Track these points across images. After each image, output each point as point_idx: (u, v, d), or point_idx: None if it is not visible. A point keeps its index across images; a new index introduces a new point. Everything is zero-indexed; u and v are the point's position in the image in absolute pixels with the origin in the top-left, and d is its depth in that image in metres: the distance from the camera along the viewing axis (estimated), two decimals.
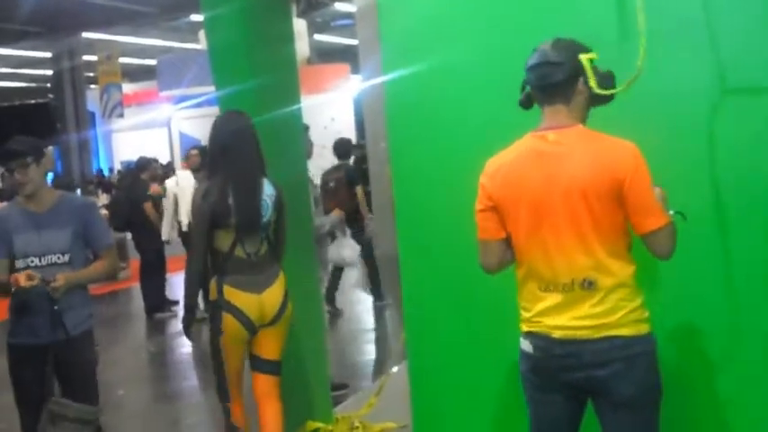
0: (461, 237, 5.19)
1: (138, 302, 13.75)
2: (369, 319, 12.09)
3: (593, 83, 3.74)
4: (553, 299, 3.79)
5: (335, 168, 11.92)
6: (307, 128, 8.01)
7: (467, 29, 4.98)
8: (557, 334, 3.77)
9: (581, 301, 3.72)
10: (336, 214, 9.85)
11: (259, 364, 5.73)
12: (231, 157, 5.51)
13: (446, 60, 5.13)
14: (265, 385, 5.73)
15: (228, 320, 5.46)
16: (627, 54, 4.10)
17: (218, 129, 5.63)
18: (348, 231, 10.76)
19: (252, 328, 5.52)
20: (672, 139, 4.35)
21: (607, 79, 3.79)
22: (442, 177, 5.20)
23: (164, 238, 12.75)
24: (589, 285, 3.70)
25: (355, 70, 24.05)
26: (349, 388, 8.07)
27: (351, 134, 23.36)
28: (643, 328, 3.74)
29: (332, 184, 11.62)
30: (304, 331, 6.61)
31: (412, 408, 5.87)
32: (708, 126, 4.38)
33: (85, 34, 28.63)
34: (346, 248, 10.09)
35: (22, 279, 4.99)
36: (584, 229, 3.68)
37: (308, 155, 7.73)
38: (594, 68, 3.76)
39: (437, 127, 5.27)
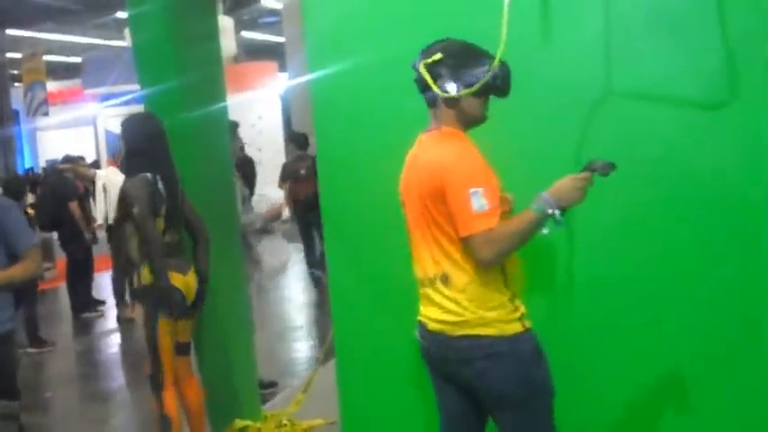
0: (387, 233, 5.22)
1: (64, 302, 13.62)
2: (298, 317, 12.10)
3: (435, 88, 3.80)
4: (425, 291, 3.93)
5: (299, 158, 12.16)
6: (236, 125, 8.01)
7: (390, 26, 5.00)
8: (429, 326, 3.92)
9: (441, 296, 3.81)
10: (271, 212, 9.81)
11: (178, 348, 5.90)
12: (152, 157, 5.80)
13: (371, 58, 5.15)
14: (184, 367, 5.98)
15: (163, 302, 5.68)
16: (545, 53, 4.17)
17: (133, 132, 5.92)
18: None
19: (185, 308, 5.79)
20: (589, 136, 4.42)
21: (468, 77, 3.78)
22: (368, 175, 5.22)
23: (100, 221, 12.61)
24: (445, 280, 3.78)
25: (282, 68, 24.01)
26: (278, 386, 8.08)
27: (279, 132, 23.32)
28: (510, 328, 3.73)
29: (303, 172, 12.21)
30: (231, 329, 6.60)
31: (340, 404, 5.89)
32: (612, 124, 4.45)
33: (9, 31, 28.22)
34: None
35: None
36: (431, 227, 3.79)
37: (235, 152, 7.75)
38: (451, 70, 3.79)
39: (362, 124, 5.29)
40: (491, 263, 3.64)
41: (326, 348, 6.77)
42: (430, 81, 3.79)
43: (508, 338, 3.73)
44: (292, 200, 12.68)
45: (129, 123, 6.01)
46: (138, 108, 8.27)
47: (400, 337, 5.53)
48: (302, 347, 10.24)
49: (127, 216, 5.72)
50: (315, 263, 12.44)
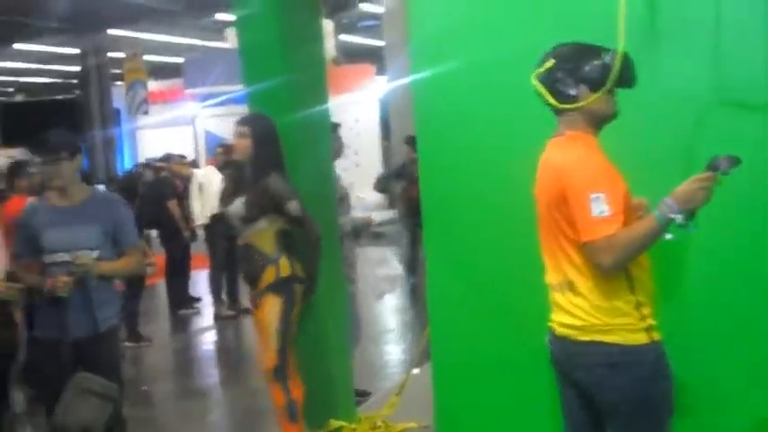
0: (488, 238, 5.22)
1: (162, 299, 13.80)
2: (391, 320, 12.13)
3: (550, 99, 3.78)
4: (553, 297, 3.85)
5: (414, 160, 12.29)
6: (338, 126, 8.08)
7: (496, 29, 4.99)
8: (556, 331, 3.84)
9: (568, 302, 3.75)
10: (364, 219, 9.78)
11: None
12: (278, 156, 6.07)
13: (476, 61, 5.15)
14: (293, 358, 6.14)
15: (299, 289, 5.98)
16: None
17: (263, 131, 6.03)
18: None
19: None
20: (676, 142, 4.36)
21: (588, 74, 3.73)
22: (471, 178, 5.22)
23: (198, 222, 12.77)
24: (570, 286, 3.72)
25: (381, 71, 24.07)
26: (371, 395, 8.09)
27: (375, 135, 23.37)
28: (634, 338, 3.66)
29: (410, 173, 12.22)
30: (329, 331, 6.64)
31: (434, 408, 5.89)
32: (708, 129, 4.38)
33: (111, 31, 28.71)
34: None
35: (60, 289, 5.06)
36: (556, 233, 3.75)
37: (338, 154, 7.80)
38: (568, 72, 3.75)
39: (466, 128, 5.28)
40: (610, 269, 3.57)
41: (421, 351, 6.78)
42: (544, 92, 3.77)
43: (630, 349, 3.65)
44: (407, 198, 12.81)
45: (258, 123, 6.09)
46: (238, 109, 8.37)
47: (498, 341, 5.52)
48: (395, 351, 10.26)
49: (267, 211, 5.87)
50: (414, 269, 12.42)
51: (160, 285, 13.95)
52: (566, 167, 3.64)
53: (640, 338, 3.66)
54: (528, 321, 4.23)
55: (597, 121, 3.77)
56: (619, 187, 3.62)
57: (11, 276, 5.17)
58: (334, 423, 6.60)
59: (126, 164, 33.92)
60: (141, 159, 31.76)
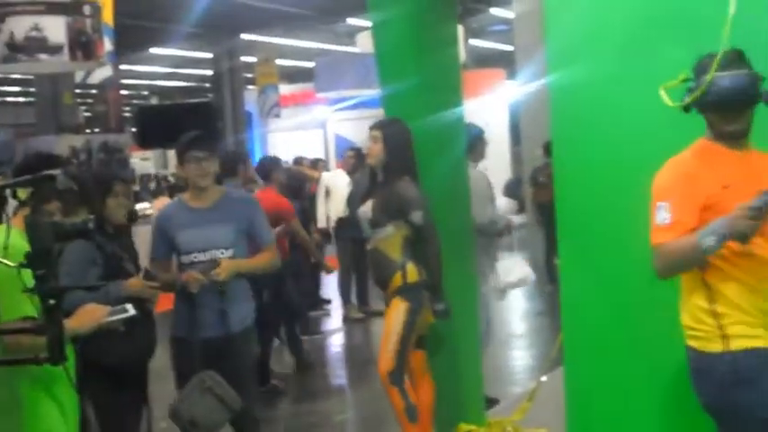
0: (624, 243, 5.15)
1: None
2: (520, 325, 12.07)
3: (667, 99, 3.90)
4: None
5: (546, 165, 12.34)
6: (482, 132, 8.13)
7: (634, 33, 4.93)
8: None
9: None
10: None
11: (418, 342, 6.14)
12: (411, 162, 6.09)
13: (612, 65, 5.10)
14: (422, 361, 6.18)
15: (425, 298, 5.96)
16: None
17: (397, 135, 6.06)
18: None
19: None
20: None
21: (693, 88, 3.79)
22: (607, 183, 5.16)
23: (320, 225, 12.84)
24: None
25: (510, 76, 23.98)
26: (500, 403, 8.06)
27: (505, 140, 23.27)
28: (709, 346, 3.73)
29: (542, 179, 12.67)
30: (460, 333, 6.64)
31: (566, 415, 5.84)
32: None
33: (244, 36, 29.17)
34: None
35: (192, 284, 5.16)
36: None
37: (481, 156, 7.90)
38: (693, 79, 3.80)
39: (603, 133, 5.23)
40: (660, 276, 3.77)
41: (553, 357, 6.73)
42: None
43: (705, 355, 3.75)
44: (538, 204, 13.04)
45: (392, 127, 6.13)
46: (369, 113, 8.44)
47: (632, 350, 5.45)
48: (525, 356, 10.21)
49: (394, 217, 5.90)
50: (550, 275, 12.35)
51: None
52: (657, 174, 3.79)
53: (714, 346, 3.73)
54: (664, 329, 4.15)
55: (716, 134, 3.81)
56: (693, 195, 3.68)
57: (147, 276, 5.29)
58: (464, 427, 6.60)
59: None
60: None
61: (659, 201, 3.75)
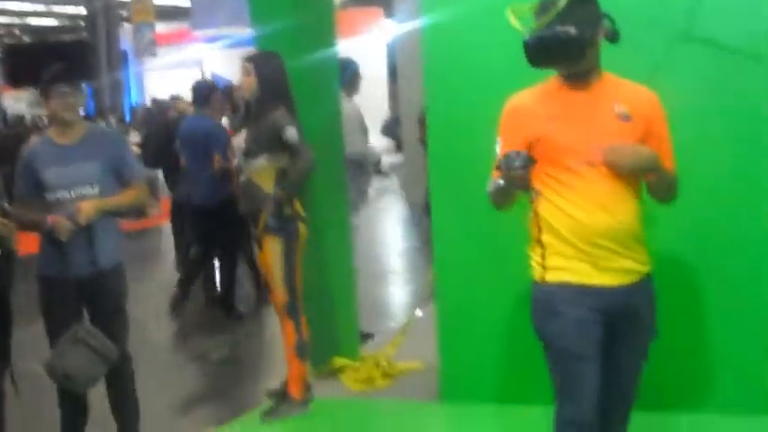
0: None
1: (167, 240, 13.83)
2: (396, 260, 12.19)
3: None
4: None
5: None
6: (357, 65, 8.16)
7: None
8: None
9: None
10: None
11: None
12: (288, 96, 5.91)
13: (482, 3, 5.17)
14: None
15: (302, 229, 5.89)
16: None
17: (272, 69, 5.91)
18: None
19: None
20: None
21: None
22: (477, 118, 5.25)
23: None
24: None
25: (388, 14, 23.94)
26: (374, 338, 8.19)
27: (383, 80, 23.29)
28: (535, 273, 3.88)
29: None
30: (333, 269, 6.70)
31: (439, 348, 5.97)
32: None
33: None
34: None
35: (61, 232, 5.10)
36: None
37: (356, 89, 7.95)
38: None
39: (474, 71, 5.32)
40: (497, 209, 3.98)
41: (425, 292, 6.85)
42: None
43: (533, 284, 3.90)
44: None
45: (265, 59, 6.02)
46: (245, 51, 8.37)
47: (503, 282, 5.60)
48: (399, 292, 10.32)
49: (269, 147, 5.80)
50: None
51: (165, 227, 13.97)
52: None
53: (537, 274, 3.86)
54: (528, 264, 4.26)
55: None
56: (517, 129, 3.82)
57: (2, 213, 5.20)
58: (338, 362, 6.68)
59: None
60: (148, 101, 31.76)
61: (498, 137, 3.89)
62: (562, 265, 3.78)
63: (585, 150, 3.68)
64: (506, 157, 3.57)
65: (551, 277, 3.81)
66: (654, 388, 4.45)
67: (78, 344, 5.09)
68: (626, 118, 3.71)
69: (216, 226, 8.88)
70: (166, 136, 12.68)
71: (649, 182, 3.79)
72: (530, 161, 3.56)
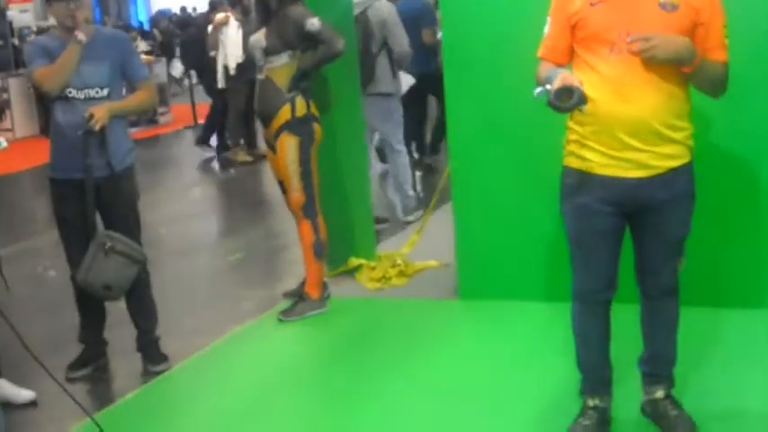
0: (508, 73, 5.22)
1: (178, 147, 13.84)
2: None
3: None
4: None
5: None
6: None
7: None
8: None
9: None
10: None
11: None
12: None
13: None
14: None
15: (317, 129, 5.89)
16: None
17: None
18: None
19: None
20: None
21: None
22: (492, 11, 5.23)
23: (219, 85, 12.55)
24: None
25: None
26: (389, 222, 8.19)
27: None
28: (563, 160, 3.88)
29: None
30: (348, 169, 6.66)
31: (456, 246, 5.96)
32: None
33: None
34: None
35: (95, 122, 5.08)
36: None
37: None
38: None
39: None
40: None
41: (441, 189, 6.82)
42: None
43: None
44: None
45: None
46: None
47: (518, 178, 5.58)
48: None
49: (289, 43, 5.76)
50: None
51: (175, 134, 13.94)
52: None
53: (564, 161, 3.86)
54: (550, 157, 4.21)
55: None
56: (562, 11, 3.79)
57: None
58: (354, 261, 6.69)
59: (140, 15, 33.61)
60: (154, 11, 31.54)
61: (548, 16, 3.86)
62: (578, 152, 3.77)
63: (620, 38, 3.59)
64: (559, 91, 3.47)
65: (568, 162, 3.84)
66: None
67: (109, 253, 5.11)
68: (671, 7, 3.59)
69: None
70: (201, 41, 12.64)
71: (689, 74, 3.68)
72: (583, 101, 3.47)
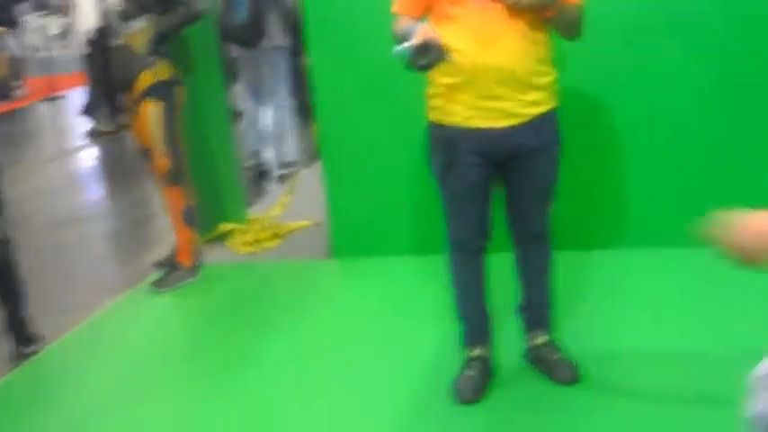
0: (372, 27, 5.17)
1: (35, 121, 13.48)
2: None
3: None
4: None
5: None
6: None
7: None
8: None
9: None
10: None
11: None
12: None
13: None
14: None
15: (181, 93, 5.77)
16: None
17: None
18: None
19: None
20: None
21: None
22: None
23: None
24: None
25: None
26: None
27: None
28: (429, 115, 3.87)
29: None
30: (213, 133, 6.57)
31: (327, 205, 5.94)
32: None
33: None
34: None
35: None
36: None
37: None
38: None
39: None
40: None
41: (309, 150, 6.78)
42: None
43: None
44: None
45: None
46: None
47: (387, 132, 5.57)
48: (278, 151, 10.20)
49: (147, 7, 5.60)
50: None
51: (31, 108, 13.60)
52: None
53: (430, 115, 3.83)
54: (415, 111, 4.18)
55: None
56: None
57: None
58: (226, 226, 6.61)
59: None
60: None
61: None
62: (443, 105, 3.74)
63: None
64: (418, 48, 3.36)
65: (434, 116, 3.81)
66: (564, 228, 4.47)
67: None
68: None
69: None
70: None
71: (549, 18, 3.67)
72: (443, 56, 3.41)
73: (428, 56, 3.37)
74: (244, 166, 7.92)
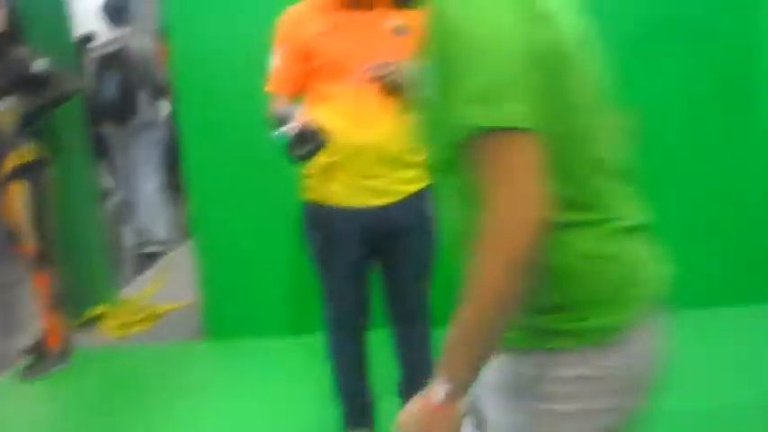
0: (245, 105, 5.11)
1: None
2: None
3: None
4: None
5: None
6: None
7: None
8: None
9: None
10: None
11: None
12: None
13: None
14: None
15: (49, 174, 5.60)
16: None
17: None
18: None
19: None
20: None
21: None
22: (223, 45, 5.17)
23: None
24: None
25: None
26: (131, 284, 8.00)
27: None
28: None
29: None
30: (82, 214, 6.44)
31: (200, 284, 5.84)
32: None
33: None
34: None
35: None
36: None
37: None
38: None
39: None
40: None
41: (182, 227, 6.70)
42: None
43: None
44: None
45: None
46: None
47: (261, 209, 5.52)
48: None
49: (16, 86, 5.45)
50: None
51: None
52: None
53: (306, 195, 3.81)
54: (288, 190, 4.13)
55: None
56: (293, 40, 3.66)
57: None
58: (96, 310, 6.45)
59: None
60: None
61: (274, 45, 3.71)
62: (319, 185, 3.72)
63: (356, 66, 3.55)
64: (297, 137, 3.32)
65: (309, 196, 3.77)
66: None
67: None
68: (402, 31, 3.55)
69: None
70: None
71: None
72: (322, 143, 3.37)
73: (307, 145, 3.33)
74: (130, 245, 7.81)
